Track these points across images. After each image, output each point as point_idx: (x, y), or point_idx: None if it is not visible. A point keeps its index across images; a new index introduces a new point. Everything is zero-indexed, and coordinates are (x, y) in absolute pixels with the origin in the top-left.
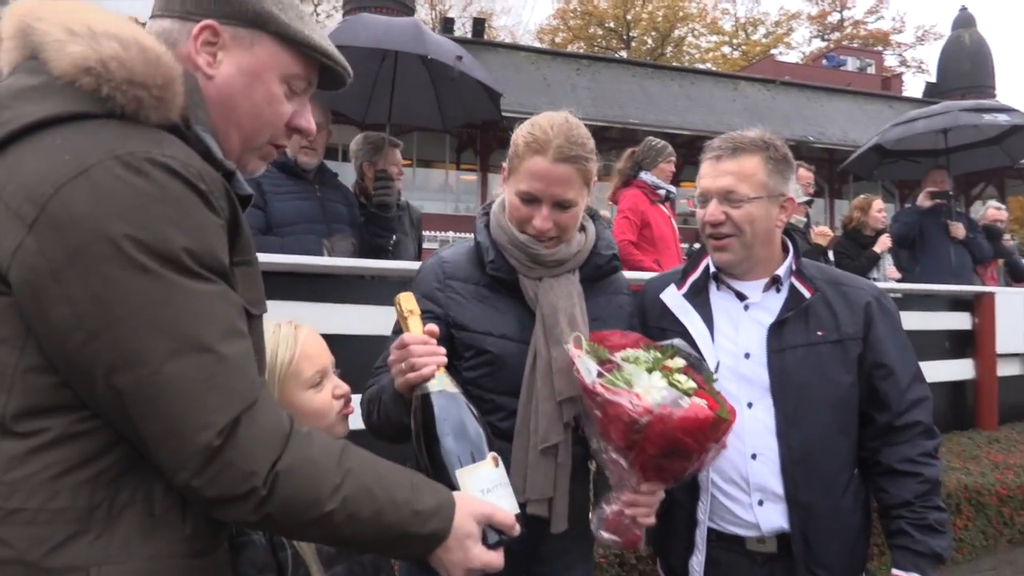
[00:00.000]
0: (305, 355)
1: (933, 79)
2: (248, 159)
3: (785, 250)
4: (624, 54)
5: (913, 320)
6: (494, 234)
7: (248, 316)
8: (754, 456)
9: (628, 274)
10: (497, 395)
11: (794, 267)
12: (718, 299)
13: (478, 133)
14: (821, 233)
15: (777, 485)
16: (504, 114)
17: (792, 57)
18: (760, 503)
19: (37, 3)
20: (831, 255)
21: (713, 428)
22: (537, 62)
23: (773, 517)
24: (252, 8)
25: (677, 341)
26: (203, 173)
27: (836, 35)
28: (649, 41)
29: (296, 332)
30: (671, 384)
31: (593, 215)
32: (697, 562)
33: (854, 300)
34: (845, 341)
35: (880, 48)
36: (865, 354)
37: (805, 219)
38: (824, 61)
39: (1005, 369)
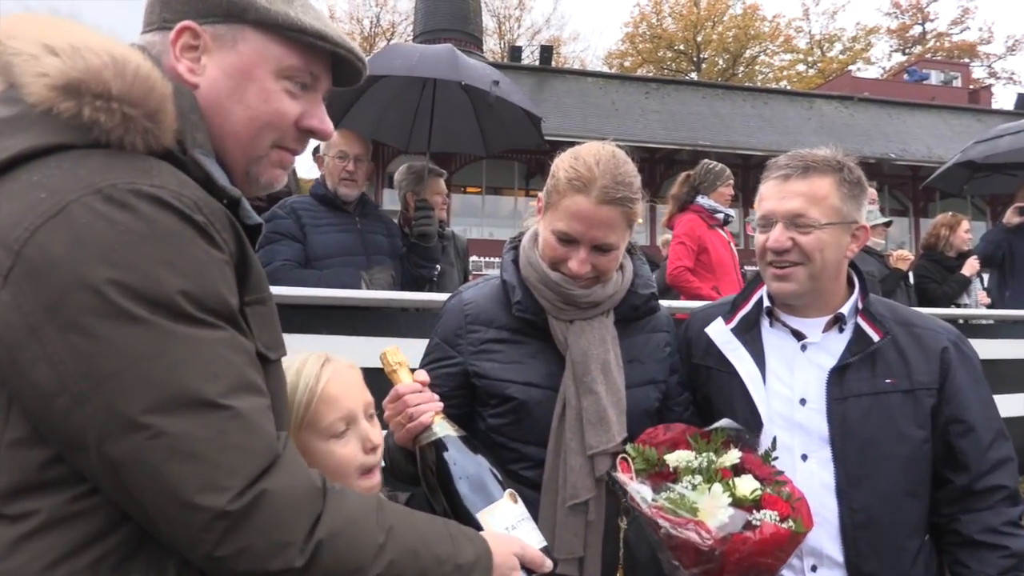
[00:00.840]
0: (326, 398)
1: None
2: (259, 170)
3: (851, 285)
4: (694, 76)
5: (1005, 348)
6: (523, 272)
7: (264, 361)
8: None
9: (676, 304)
10: (522, 444)
11: (860, 305)
12: (771, 337)
13: (547, 159)
14: (901, 257)
15: (836, 551)
16: (573, 139)
17: (871, 73)
18: (814, 568)
19: (11, 19)
20: (911, 278)
21: (792, 543)
22: (605, 87)
23: None
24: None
25: (724, 422)
26: (200, 203)
27: (918, 48)
28: (720, 62)
29: (320, 370)
30: (735, 500)
31: (630, 250)
32: None
33: (929, 345)
34: (917, 391)
35: (967, 60)
36: (941, 407)
37: (883, 242)
38: (905, 75)
39: None
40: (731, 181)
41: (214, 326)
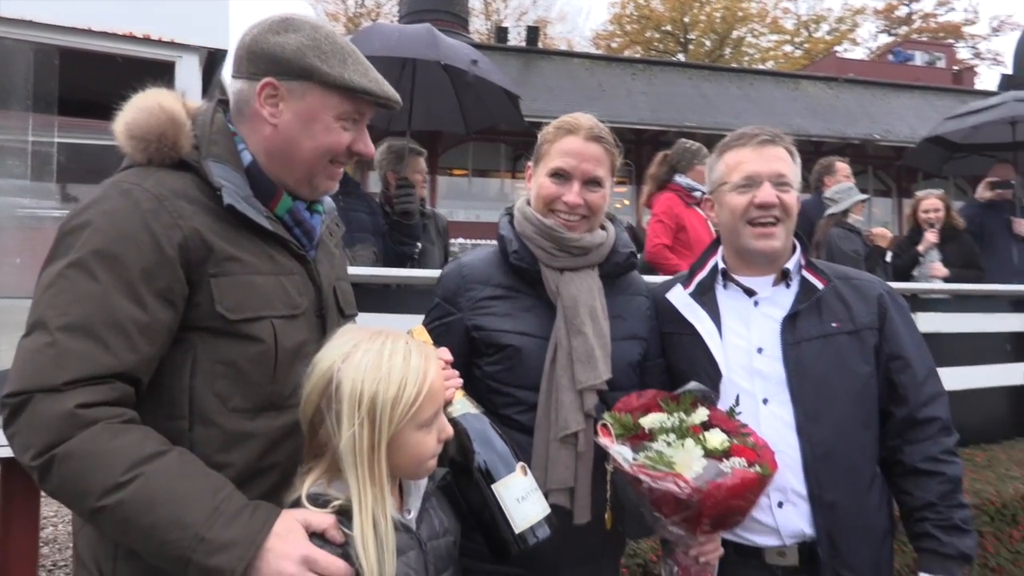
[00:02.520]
0: (431, 393)
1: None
2: (319, 181)
3: (793, 247)
4: (682, 57)
5: (972, 322)
6: (519, 227)
7: (224, 320)
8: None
9: (648, 278)
10: (516, 389)
11: (803, 261)
12: (726, 297)
13: (534, 140)
14: (881, 234)
15: (800, 484)
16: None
17: (858, 54)
18: (780, 504)
19: None
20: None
21: (760, 485)
22: (592, 68)
23: (794, 520)
24: (298, 64)
25: (692, 385)
26: (161, 195)
27: (904, 29)
28: (707, 43)
29: (426, 365)
30: (707, 452)
31: (611, 217)
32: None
33: (867, 292)
34: (861, 331)
35: (952, 41)
36: (882, 345)
37: (862, 219)
38: (890, 56)
39: None
40: (708, 159)
41: (95, 274)
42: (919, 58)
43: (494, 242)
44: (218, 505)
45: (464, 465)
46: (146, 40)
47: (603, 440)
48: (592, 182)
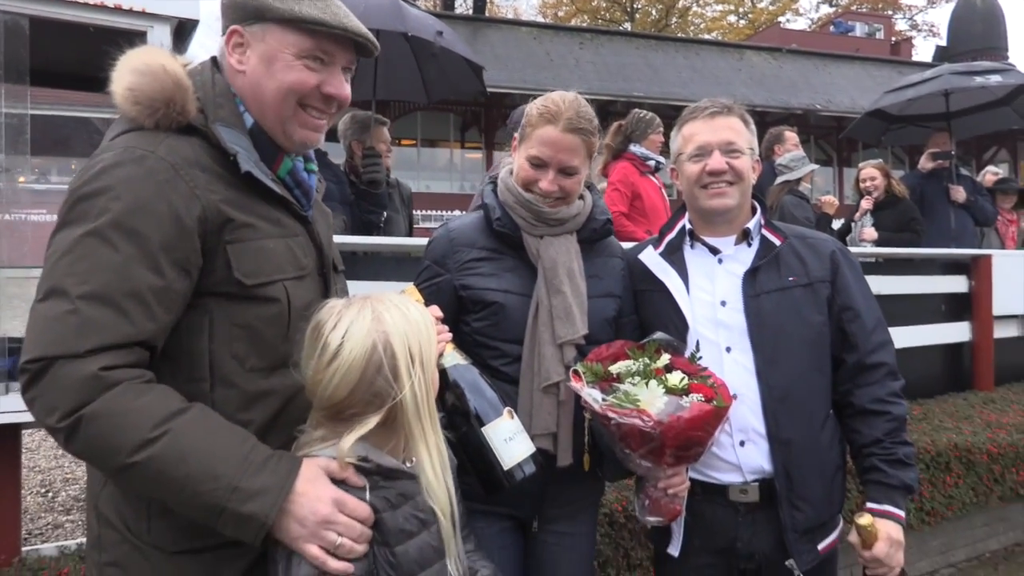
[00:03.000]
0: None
1: (944, 43)
2: (291, 130)
3: (753, 209)
4: (628, 26)
5: (909, 284)
6: (501, 196)
7: (240, 285)
8: (735, 396)
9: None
10: (501, 342)
11: (763, 221)
12: (692, 256)
13: (482, 111)
14: (829, 202)
15: (759, 424)
16: (508, 91)
17: (800, 24)
18: (742, 443)
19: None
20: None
21: (716, 417)
22: (539, 37)
23: (754, 457)
24: (251, 5)
25: (657, 335)
26: (176, 162)
27: (845, 0)
28: (653, 12)
29: (427, 314)
30: (668, 389)
31: (590, 186)
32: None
33: (820, 249)
34: (815, 284)
35: (890, 12)
36: (834, 297)
37: (810, 186)
38: (831, 27)
39: (1003, 331)
40: (661, 129)
41: (114, 244)
42: (859, 29)
43: (444, 213)
44: (246, 455)
45: (457, 410)
46: (117, 9)
47: (575, 384)
48: (567, 171)
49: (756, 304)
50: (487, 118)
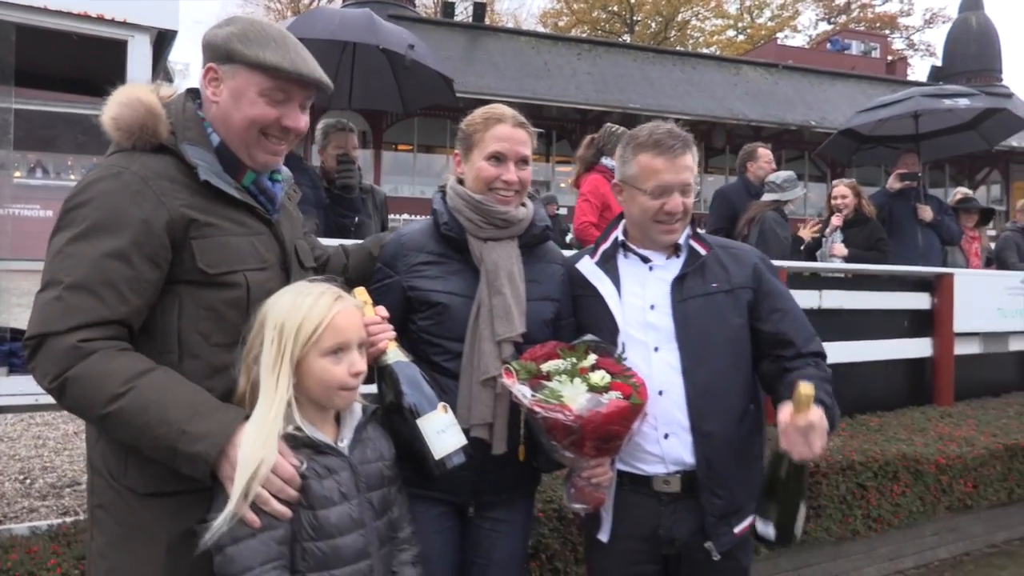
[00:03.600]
0: (332, 327)
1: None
2: (255, 153)
3: None
4: (628, 38)
5: (874, 300)
6: (451, 202)
7: (204, 274)
8: (661, 393)
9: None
10: (445, 340)
11: (691, 232)
12: (626, 264)
13: None
14: (809, 228)
15: (683, 418)
16: (505, 99)
17: (798, 41)
18: (666, 436)
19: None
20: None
21: (632, 412)
22: (538, 47)
23: (677, 450)
24: (225, 49)
25: (587, 337)
26: (146, 175)
27: (843, 18)
28: (653, 25)
29: (333, 304)
30: (590, 387)
31: (532, 196)
32: (608, 494)
33: (743, 259)
34: (736, 290)
35: (887, 31)
36: (759, 302)
37: (793, 207)
38: (828, 45)
39: (965, 348)
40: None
41: (93, 244)
42: (855, 47)
43: None
44: (196, 406)
45: (396, 404)
46: (100, 20)
47: (506, 381)
48: (522, 161)
49: (683, 308)
50: (460, 128)
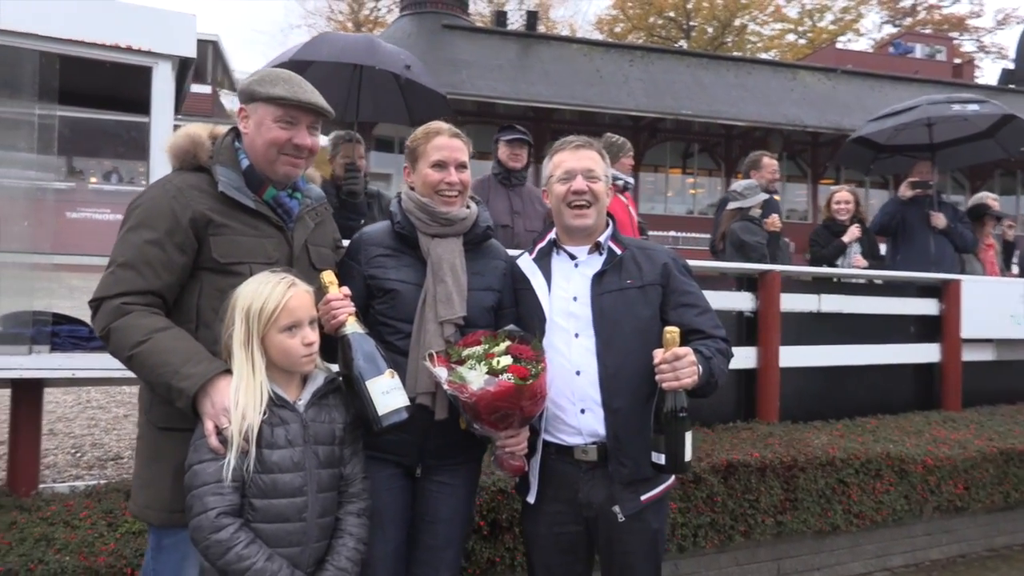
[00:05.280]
0: (287, 309)
1: (1012, 66)
2: (276, 168)
3: (607, 224)
4: (684, 44)
5: (882, 305)
6: (404, 205)
7: (216, 264)
8: (578, 373)
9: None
10: (397, 321)
11: (612, 234)
12: (556, 261)
13: (531, 125)
14: (771, 224)
15: (596, 395)
16: (556, 106)
17: (861, 45)
18: (583, 411)
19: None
20: (791, 244)
21: (517, 392)
22: (590, 54)
23: (591, 423)
24: (247, 92)
25: (509, 327)
26: (181, 187)
27: (908, 20)
28: (710, 30)
29: (287, 290)
30: (490, 370)
31: (476, 200)
32: (535, 461)
33: (655, 258)
34: (647, 286)
35: (955, 34)
36: (668, 296)
37: (761, 211)
38: (891, 49)
39: (978, 355)
40: (631, 152)
41: (139, 234)
42: (919, 50)
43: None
44: (190, 356)
45: (347, 367)
46: (128, 49)
47: (429, 364)
48: (461, 165)
49: (600, 300)
50: (535, 132)
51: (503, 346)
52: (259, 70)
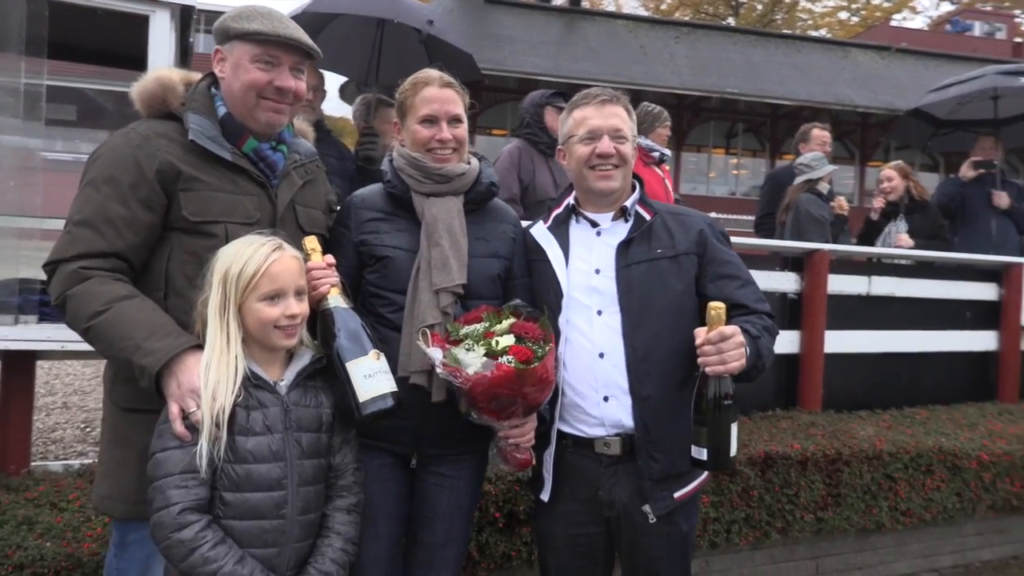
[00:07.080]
0: (268, 274)
1: None
2: (257, 114)
3: (633, 188)
4: (732, 21)
5: (937, 288)
6: (396, 163)
7: (187, 222)
8: (602, 355)
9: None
10: (390, 292)
11: (639, 198)
12: (575, 229)
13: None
14: (840, 206)
15: (623, 380)
16: (600, 83)
17: (917, 23)
18: (606, 399)
19: None
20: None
21: (518, 377)
22: (635, 30)
23: (616, 412)
24: (222, 29)
25: (515, 302)
26: (147, 135)
27: None
28: (759, 7)
29: (271, 253)
30: (489, 351)
31: (480, 156)
32: (548, 454)
33: (689, 225)
34: (680, 256)
35: (1017, 11)
36: (704, 267)
37: (829, 186)
38: (948, 26)
39: None
40: (668, 123)
41: (98, 189)
42: (978, 28)
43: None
44: (155, 329)
45: (328, 346)
46: None
47: (421, 344)
48: (455, 119)
49: (627, 273)
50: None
51: (506, 324)
52: (237, 6)
